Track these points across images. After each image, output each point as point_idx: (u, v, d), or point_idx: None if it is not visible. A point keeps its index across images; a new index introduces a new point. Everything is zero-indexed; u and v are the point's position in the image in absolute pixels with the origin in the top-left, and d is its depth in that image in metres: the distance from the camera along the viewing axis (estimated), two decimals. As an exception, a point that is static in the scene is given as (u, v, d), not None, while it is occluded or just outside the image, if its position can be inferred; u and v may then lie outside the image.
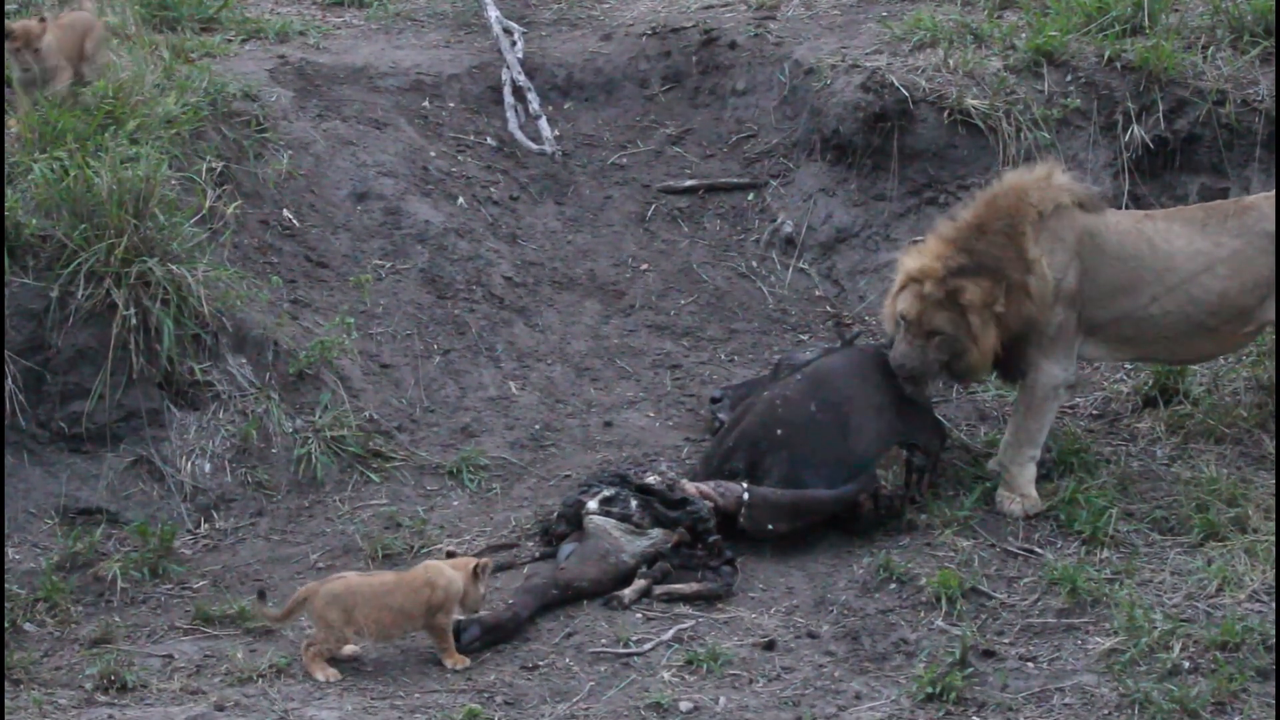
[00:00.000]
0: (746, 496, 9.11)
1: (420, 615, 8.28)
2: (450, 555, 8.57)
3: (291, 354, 10.12)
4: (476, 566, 8.36)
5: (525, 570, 8.96)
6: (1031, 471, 9.31)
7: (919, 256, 9.33)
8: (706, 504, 9.02)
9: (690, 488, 9.12)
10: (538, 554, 9.13)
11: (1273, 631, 8.07)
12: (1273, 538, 8.76)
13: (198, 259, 9.92)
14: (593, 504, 9.04)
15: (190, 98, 10.78)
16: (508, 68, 12.29)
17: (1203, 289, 9.24)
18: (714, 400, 10.12)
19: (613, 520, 8.97)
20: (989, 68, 11.46)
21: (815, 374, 9.53)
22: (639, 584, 8.80)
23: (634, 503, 9.00)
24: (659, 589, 8.80)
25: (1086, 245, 9.29)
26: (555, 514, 9.24)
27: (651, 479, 9.15)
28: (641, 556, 8.91)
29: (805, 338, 10.98)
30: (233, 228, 10.50)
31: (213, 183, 10.51)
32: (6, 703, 8.00)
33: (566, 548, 9.01)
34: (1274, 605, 8.33)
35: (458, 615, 8.39)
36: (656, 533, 8.97)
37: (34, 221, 9.71)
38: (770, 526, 9.14)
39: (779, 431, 9.32)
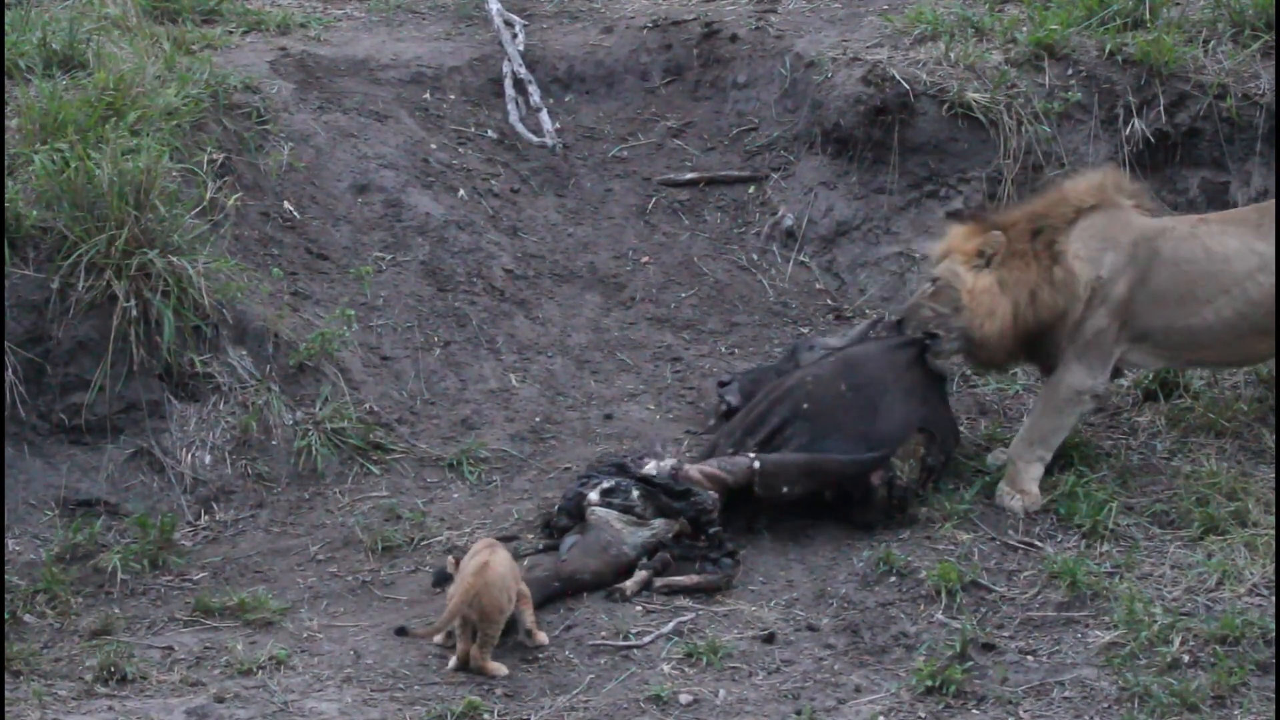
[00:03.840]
0: (757, 465, 9.08)
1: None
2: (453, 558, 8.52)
3: (292, 346, 10.12)
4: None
5: (526, 563, 8.95)
6: (1038, 470, 9.30)
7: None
8: (711, 494, 9.01)
9: (694, 472, 9.09)
10: (540, 546, 9.12)
11: (1272, 625, 8.07)
12: (1273, 532, 8.77)
13: (198, 251, 9.92)
14: (594, 495, 9.04)
15: (191, 89, 10.78)
16: (509, 60, 12.28)
17: (1259, 289, 9.19)
18: (722, 384, 10.09)
19: (614, 512, 8.96)
20: (990, 61, 11.46)
21: (849, 357, 9.50)
22: (640, 576, 8.79)
23: (635, 493, 9.00)
24: (659, 581, 8.80)
25: (1143, 251, 9.28)
26: (556, 507, 9.23)
27: (650, 467, 9.14)
28: (643, 548, 8.90)
29: (805, 330, 10.97)
30: (233, 219, 10.50)
31: (213, 174, 10.51)
32: (6, 694, 8.00)
33: (569, 540, 9.00)
34: (1274, 599, 8.33)
35: None
36: (659, 523, 8.96)
37: (34, 213, 9.71)
38: (785, 490, 9.10)
39: (806, 406, 9.28)
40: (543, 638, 8.33)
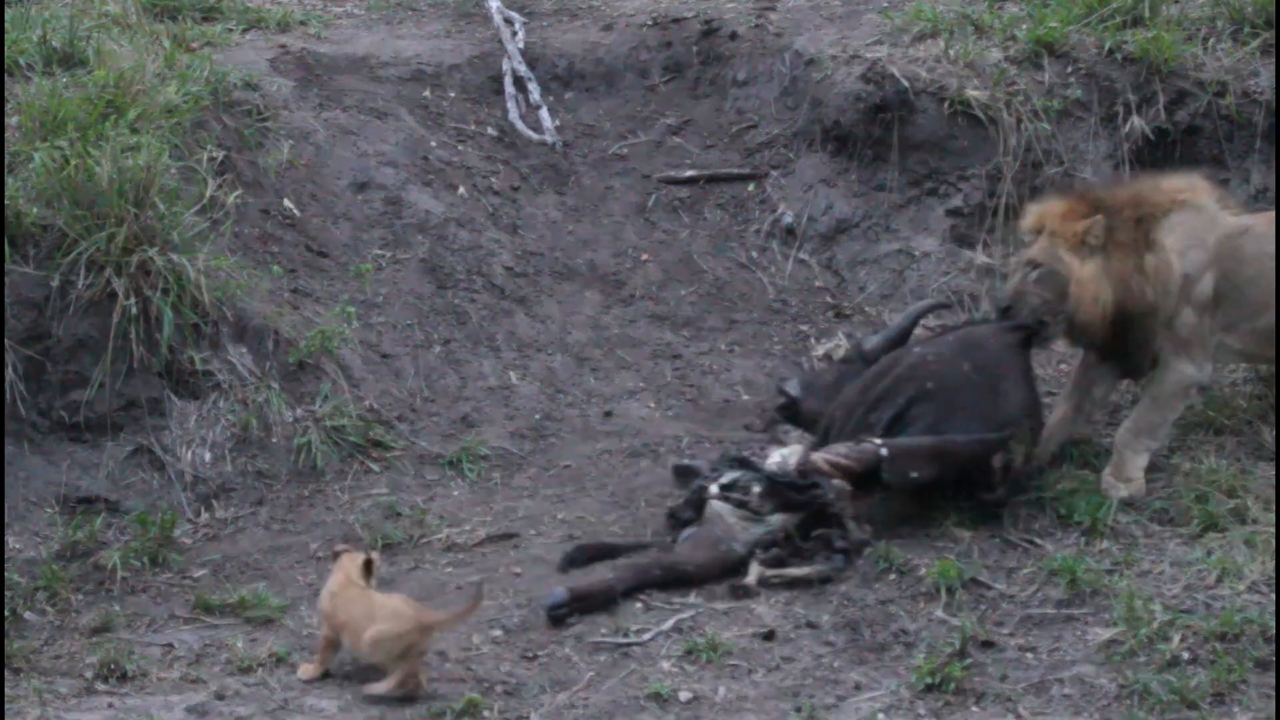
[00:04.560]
0: (885, 451, 8.99)
1: None
2: (336, 555, 8.41)
3: (292, 343, 10.13)
4: (367, 560, 8.30)
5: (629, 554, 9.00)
6: (1144, 461, 9.25)
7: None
8: (834, 484, 8.95)
9: (820, 461, 9.02)
10: (670, 539, 9.10)
11: (1272, 623, 8.07)
12: (1272, 529, 8.76)
13: (198, 248, 9.93)
14: (714, 489, 9.00)
15: (191, 87, 10.79)
16: (508, 58, 12.29)
17: None
18: (782, 380, 9.97)
19: (730, 506, 8.93)
20: (990, 59, 11.46)
21: (967, 337, 9.40)
22: (756, 570, 8.74)
23: (756, 488, 8.95)
24: (770, 572, 8.74)
25: (1226, 249, 9.27)
26: (681, 500, 9.21)
27: (776, 457, 9.08)
28: (754, 544, 8.85)
29: (805, 328, 10.98)
30: (233, 217, 10.50)
31: (213, 172, 10.51)
32: (7, 691, 8.00)
33: (686, 533, 9.00)
34: (1274, 596, 8.33)
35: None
36: (775, 519, 8.89)
37: (34, 210, 9.71)
38: (914, 474, 8.98)
39: (929, 385, 9.16)
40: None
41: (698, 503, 9.05)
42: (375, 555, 8.41)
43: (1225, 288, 9.27)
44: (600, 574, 8.80)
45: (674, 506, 9.23)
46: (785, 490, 8.91)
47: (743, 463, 9.13)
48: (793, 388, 9.71)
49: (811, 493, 8.90)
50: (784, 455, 9.10)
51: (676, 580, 8.74)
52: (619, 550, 9.07)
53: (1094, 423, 9.84)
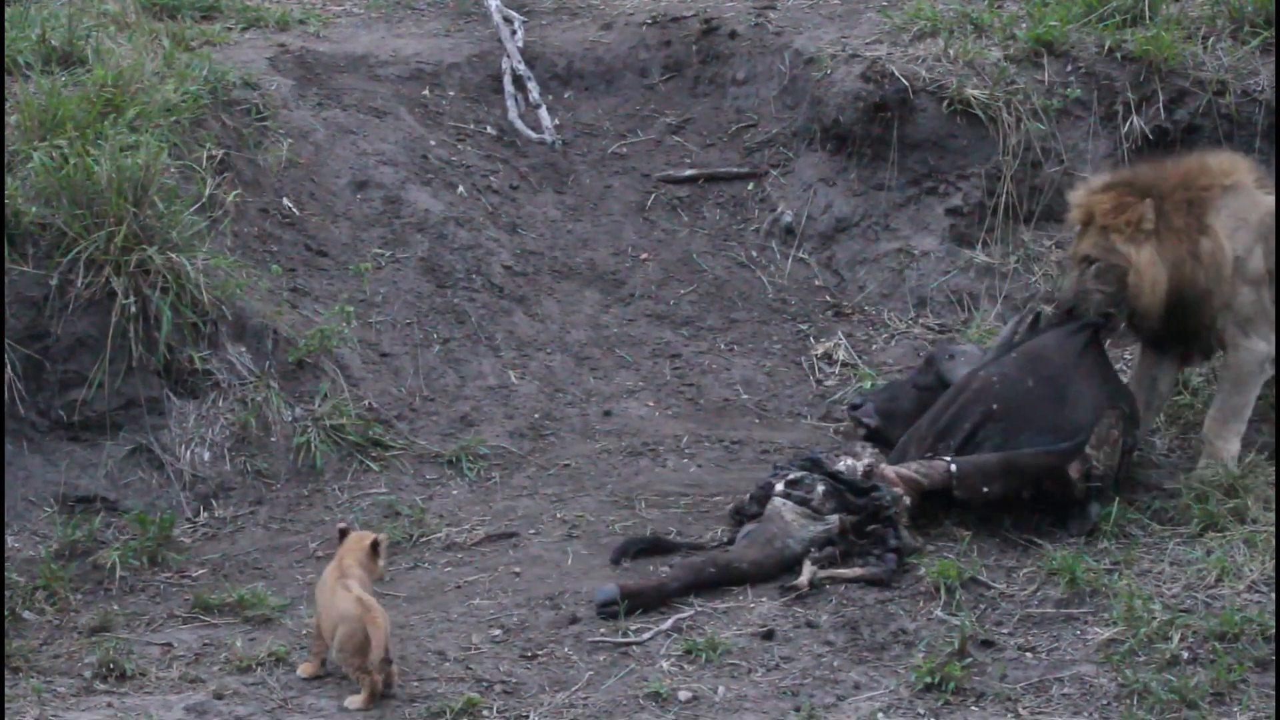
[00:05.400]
0: (954, 468, 9.00)
1: None
2: (343, 533, 8.33)
3: (291, 342, 10.12)
4: (374, 541, 8.29)
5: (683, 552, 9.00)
6: (1236, 446, 9.24)
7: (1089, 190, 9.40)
8: (894, 492, 8.93)
9: (889, 472, 9.01)
10: (727, 539, 9.08)
11: (1271, 622, 8.07)
12: (1272, 528, 8.76)
13: (197, 247, 9.92)
14: (779, 486, 9.00)
15: (190, 86, 10.79)
16: (508, 56, 12.28)
17: None
18: (853, 407, 9.84)
19: (790, 504, 8.91)
20: (989, 58, 11.46)
21: (1030, 351, 9.36)
22: (809, 569, 8.72)
23: (820, 488, 8.94)
24: (822, 573, 8.73)
25: (1267, 225, 9.25)
26: (748, 495, 9.19)
27: (844, 464, 9.08)
28: (811, 542, 8.84)
29: (805, 327, 10.98)
30: (232, 216, 10.50)
31: (212, 171, 10.51)
32: (5, 691, 8.00)
33: (746, 529, 8.99)
34: (1273, 596, 8.33)
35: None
36: (833, 518, 8.89)
37: (33, 209, 9.71)
38: (985, 489, 8.98)
39: (995, 406, 9.15)
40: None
41: (763, 498, 9.04)
42: (383, 536, 8.35)
43: (1272, 264, 9.26)
44: (654, 572, 8.80)
45: (740, 501, 9.23)
46: (845, 491, 8.91)
47: (813, 462, 9.13)
48: (868, 416, 9.67)
49: (870, 495, 8.90)
50: (852, 464, 9.09)
51: (731, 579, 8.73)
52: (671, 548, 9.07)
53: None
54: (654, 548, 9.06)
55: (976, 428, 9.15)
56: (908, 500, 8.96)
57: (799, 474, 9.02)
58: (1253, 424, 9.59)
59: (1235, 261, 9.21)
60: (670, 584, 8.64)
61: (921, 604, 8.54)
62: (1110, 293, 9.25)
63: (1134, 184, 9.32)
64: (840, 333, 10.97)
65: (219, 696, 7.97)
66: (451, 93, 12.10)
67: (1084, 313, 9.31)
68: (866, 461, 9.08)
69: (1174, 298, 9.19)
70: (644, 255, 11.40)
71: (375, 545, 8.23)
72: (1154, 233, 9.18)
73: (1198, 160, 9.55)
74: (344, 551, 8.21)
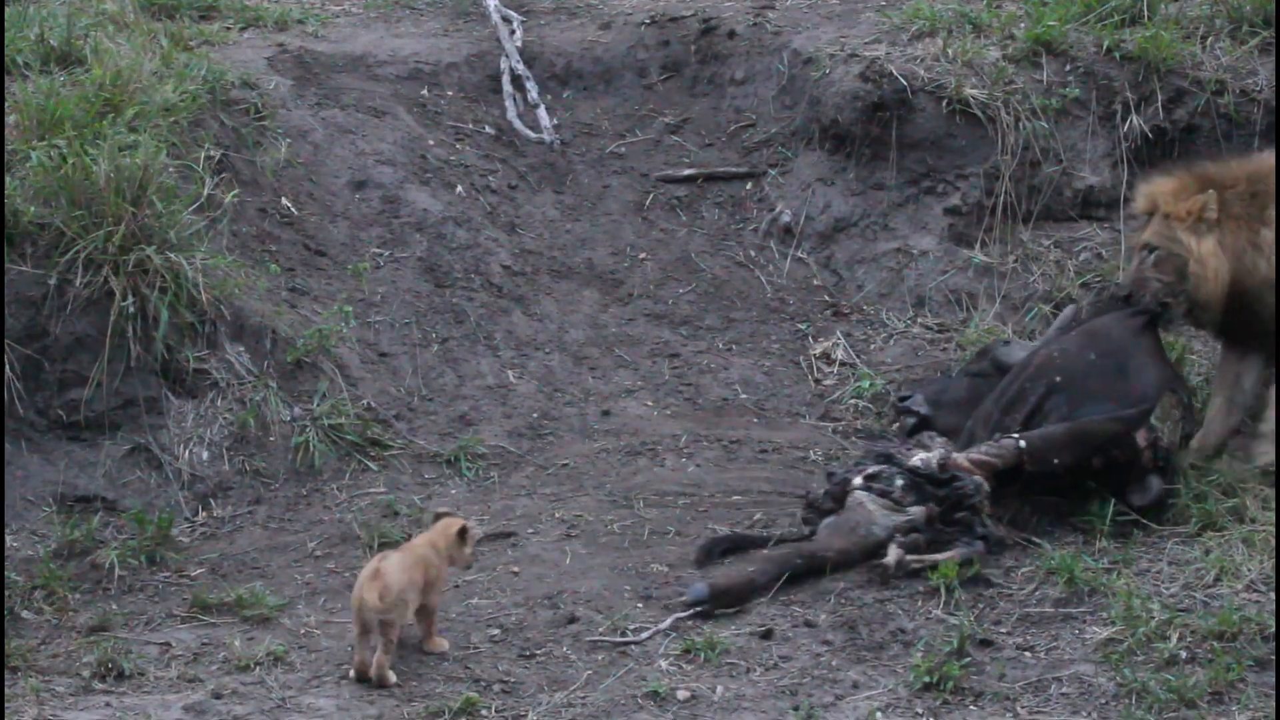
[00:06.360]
0: (1023, 443, 9.00)
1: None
2: (439, 517, 8.51)
3: (289, 342, 10.12)
4: (462, 528, 8.34)
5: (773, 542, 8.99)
6: None
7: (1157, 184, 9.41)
8: (975, 479, 8.93)
9: (962, 460, 9.01)
10: (806, 532, 9.07)
11: (1270, 621, 8.06)
12: (1270, 528, 8.76)
13: (196, 247, 9.92)
14: (857, 480, 8.99)
15: (189, 85, 10.78)
16: (506, 56, 12.28)
17: None
18: (901, 399, 9.90)
19: (871, 495, 8.92)
20: (988, 57, 11.46)
21: (1091, 329, 9.42)
22: (896, 553, 8.68)
23: (899, 480, 8.93)
24: (912, 557, 8.69)
25: None
26: (822, 491, 9.18)
27: (918, 458, 9.07)
28: (893, 530, 8.80)
29: (803, 327, 10.97)
30: (231, 216, 10.50)
31: (211, 171, 10.50)
32: (4, 690, 8.00)
33: (826, 522, 8.98)
34: (1272, 595, 8.33)
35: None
36: (915, 510, 8.86)
37: (32, 209, 9.71)
38: (1055, 461, 8.98)
39: (1058, 378, 9.19)
40: (441, 644, 8.31)
41: (839, 494, 9.04)
42: (474, 524, 8.49)
43: None
44: (738, 568, 8.79)
45: (813, 497, 9.20)
46: (925, 484, 8.91)
47: (888, 458, 9.13)
48: (918, 405, 9.67)
49: (952, 485, 8.90)
50: (926, 456, 9.08)
51: (817, 568, 8.73)
52: (753, 542, 9.07)
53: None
54: (737, 545, 9.06)
55: (1041, 400, 9.19)
56: (988, 488, 8.97)
57: (877, 468, 9.03)
58: (1250, 423, 9.60)
59: None
60: (759, 578, 8.64)
61: (920, 603, 8.54)
62: (1168, 282, 9.29)
63: (1198, 176, 9.35)
64: (839, 332, 10.97)
65: (217, 696, 7.97)
66: (450, 92, 12.10)
67: (1141, 299, 9.34)
68: (939, 453, 9.08)
69: (1235, 289, 9.21)
70: (642, 255, 11.40)
71: (463, 532, 8.36)
72: (1217, 223, 9.20)
73: (1262, 156, 9.57)
74: (431, 534, 8.37)
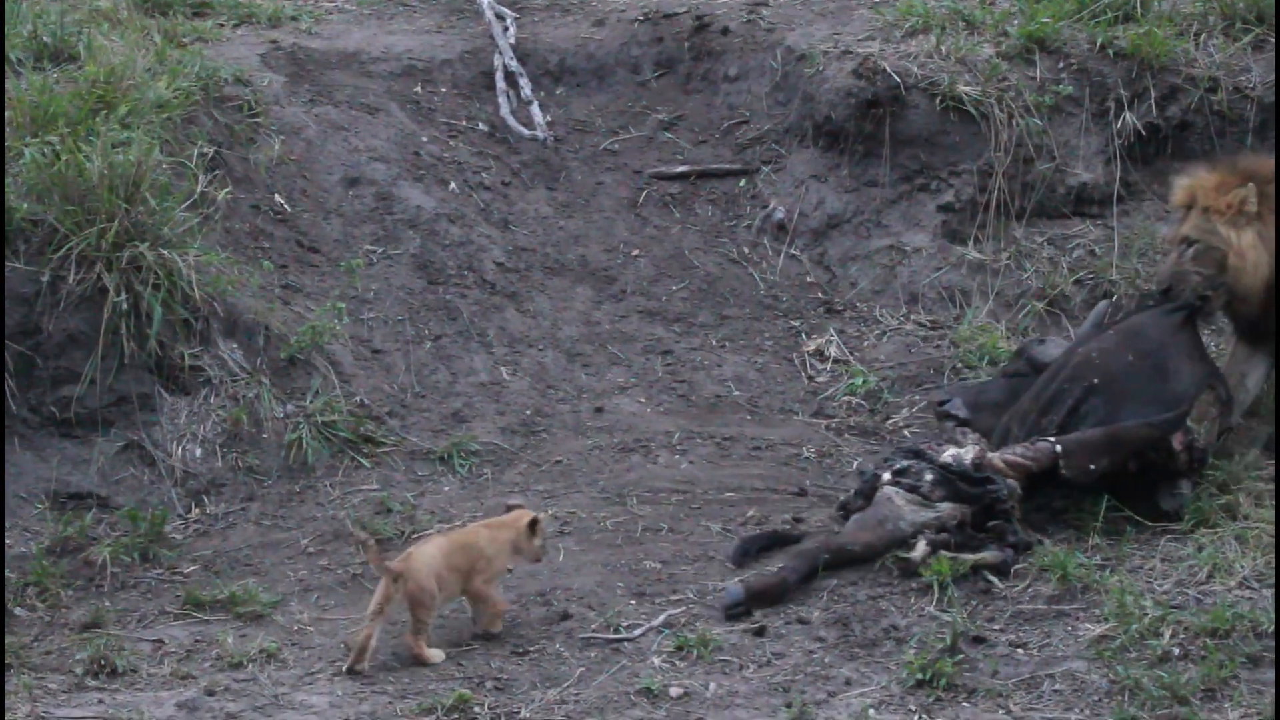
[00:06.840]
0: (1059, 448, 8.97)
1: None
2: (510, 508, 8.61)
3: (282, 339, 10.12)
4: (533, 520, 8.42)
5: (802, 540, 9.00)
6: None
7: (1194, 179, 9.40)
8: (1010, 483, 8.92)
9: (997, 460, 9.00)
10: (836, 528, 9.08)
11: (1263, 618, 8.07)
12: (1264, 525, 8.77)
13: (189, 244, 9.91)
14: (886, 475, 8.99)
15: (182, 82, 10.78)
16: (500, 53, 12.28)
17: None
18: (940, 403, 9.79)
19: (900, 490, 8.91)
20: (981, 54, 11.47)
21: (1128, 328, 9.39)
22: (923, 547, 8.68)
23: (928, 476, 8.92)
24: (946, 554, 8.68)
25: None
26: (853, 490, 9.20)
27: (950, 454, 9.06)
28: (921, 527, 8.80)
29: (797, 324, 10.98)
30: (224, 212, 10.50)
31: (204, 167, 10.50)
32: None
33: (855, 516, 8.98)
34: (1265, 592, 8.33)
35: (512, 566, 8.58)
36: (944, 507, 8.83)
37: (25, 206, 9.70)
38: (1092, 466, 8.94)
39: (1095, 380, 9.16)
40: (496, 625, 8.42)
41: (869, 492, 9.04)
42: (544, 516, 8.61)
43: None
44: (771, 568, 8.80)
45: (845, 498, 9.23)
46: (957, 480, 8.90)
47: (917, 454, 9.12)
48: (957, 409, 9.64)
49: (985, 487, 8.88)
50: (959, 453, 9.07)
51: (844, 562, 8.74)
52: (789, 538, 9.08)
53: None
54: (773, 542, 9.06)
55: (1079, 403, 9.17)
56: (1020, 491, 8.96)
57: (905, 463, 9.03)
58: (1245, 422, 9.61)
59: None
60: (791, 577, 8.65)
61: (913, 600, 8.55)
62: (1208, 275, 9.28)
63: (1237, 169, 9.35)
64: (832, 329, 10.97)
65: (210, 693, 7.97)
66: (443, 89, 12.10)
67: (1180, 293, 9.34)
68: (973, 450, 9.07)
69: (1275, 280, 9.21)
70: (636, 252, 11.40)
71: (534, 524, 8.45)
72: (1257, 216, 9.20)
73: None
74: (495, 523, 8.53)
